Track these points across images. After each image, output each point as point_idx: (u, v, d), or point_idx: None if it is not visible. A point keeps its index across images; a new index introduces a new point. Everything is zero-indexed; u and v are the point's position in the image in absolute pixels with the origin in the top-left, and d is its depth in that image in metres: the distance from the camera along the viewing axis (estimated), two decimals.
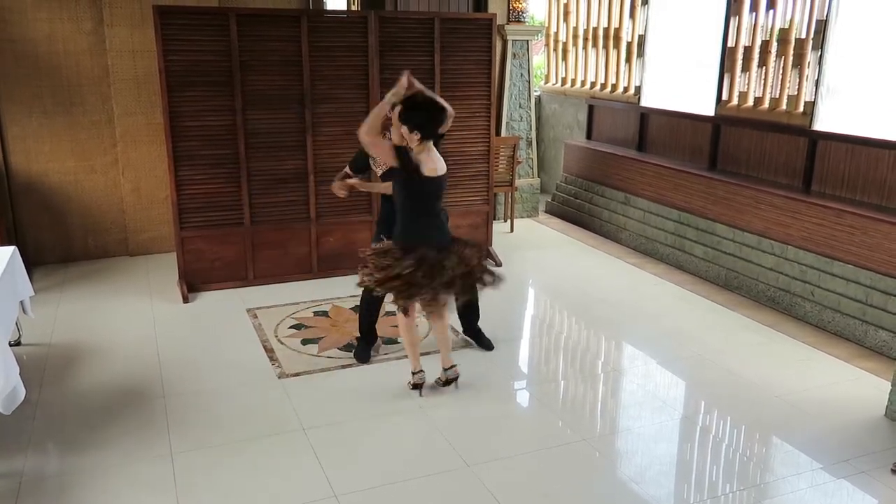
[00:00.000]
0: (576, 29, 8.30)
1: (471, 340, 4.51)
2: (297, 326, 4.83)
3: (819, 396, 3.97)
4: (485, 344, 4.47)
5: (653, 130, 7.14)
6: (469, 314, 4.45)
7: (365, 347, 4.36)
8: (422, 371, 3.90)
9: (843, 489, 3.19)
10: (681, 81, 6.88)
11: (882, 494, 3.16)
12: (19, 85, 5.68)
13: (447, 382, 3.92)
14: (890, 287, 4.51)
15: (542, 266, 6.10)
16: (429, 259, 3.50)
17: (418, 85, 3.59)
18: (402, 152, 3.55)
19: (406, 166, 3.53)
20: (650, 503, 3.08)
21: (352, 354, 4.37)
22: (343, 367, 4.26)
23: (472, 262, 3.65)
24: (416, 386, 3.88)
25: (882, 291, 4.55)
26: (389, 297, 3.71)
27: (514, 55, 7.43)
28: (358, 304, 4.42)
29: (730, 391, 4.05)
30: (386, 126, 3.78)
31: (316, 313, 5.06)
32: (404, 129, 3.57)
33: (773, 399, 3.94)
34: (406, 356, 3.99)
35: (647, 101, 7.23)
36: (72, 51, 5.77)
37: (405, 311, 3.75)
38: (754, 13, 5.87)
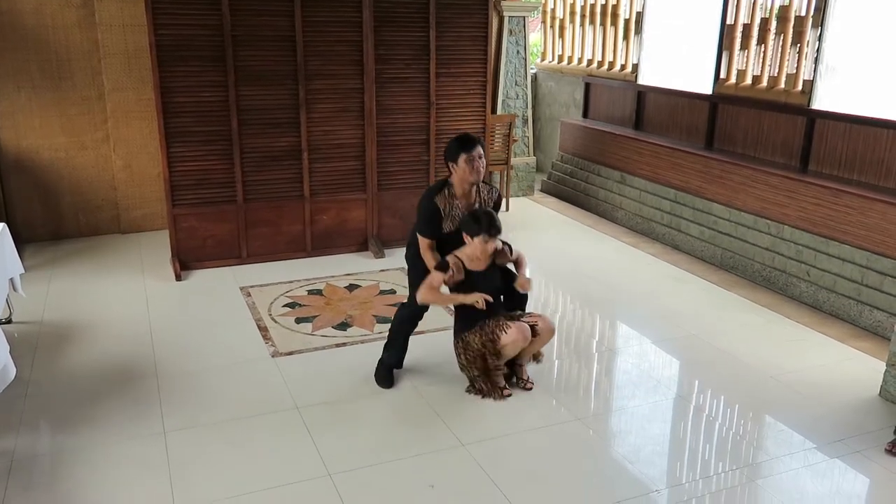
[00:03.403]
0: (573, 5, 8.21)
1: None
2: (290, 305, 4.80)
3: (813, 376, 3.97)
4: None
5: (650, 109, 7.09)
6: None
7: (390, 370, 3.87)
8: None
9: (836, 468, 3.20)
10: (679, 59, 6.81)
11: (876, 474, 3.17)
12: (6, 59, 5.59)
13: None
14: (886, 267, 4.50)
15: (537, 245, 6.07)
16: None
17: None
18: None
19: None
20: (644, 482, 3.08)
21: (345, 332, 4.35)
22: (337, 345, 4.24)
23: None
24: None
25: (878, 272, 4.54)
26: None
27: (510, 32, 7.35)
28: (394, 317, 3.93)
29: (724, 371, 4.05)
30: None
31: (310, 292, 5.03)
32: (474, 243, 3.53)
33: (768, 379, 3.94)
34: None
35: (645, 79, 7.16)
36: (60, 24, 5.67)
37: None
38: None
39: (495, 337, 3.55)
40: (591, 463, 3.23)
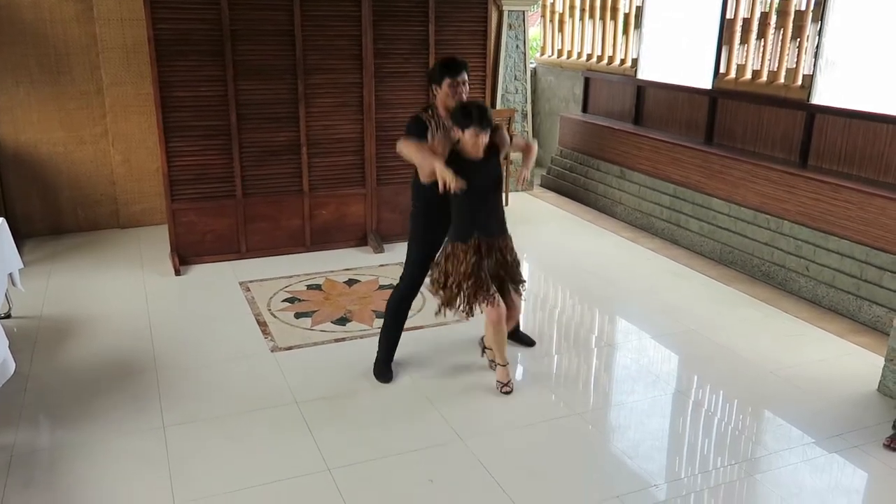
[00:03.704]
0: (572, 0, 8.18)
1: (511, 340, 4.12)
2: (290, 300, 4.80)
3: (812, 371, 3.98)
4: (525, 341, 4.24)
5: (649, 103, 7.08)
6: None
7: (387, 363, 3.88)
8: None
9: (835, 463, 3.21)
10: (678, 54, 6.80)
11: (874, 469, 3.18)
12: (4, 53, 5.57)
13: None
14: (885, 262, 4.50)
15: (536, 240, 6.07)
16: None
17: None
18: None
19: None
20: (643, 477, 3.08)
21: (344, 326, 4.36)
22: (336, 340, 4.24)
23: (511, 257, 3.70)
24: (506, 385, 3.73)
25: (877, 267, 4.54)
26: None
27: (509, 26, 7.33)
28: (384, 312, 3.94)
29: (723, 366, 4.05)
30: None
31: (309, 287, 5.03)
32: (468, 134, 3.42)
33: (767, 374, 3.95)
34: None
35: (644, 73, 7.15)
36: (58, 18, 5.65)
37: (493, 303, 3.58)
38: None
39: (475, 299, 3.53)
40: (590, 458, 3.23)
